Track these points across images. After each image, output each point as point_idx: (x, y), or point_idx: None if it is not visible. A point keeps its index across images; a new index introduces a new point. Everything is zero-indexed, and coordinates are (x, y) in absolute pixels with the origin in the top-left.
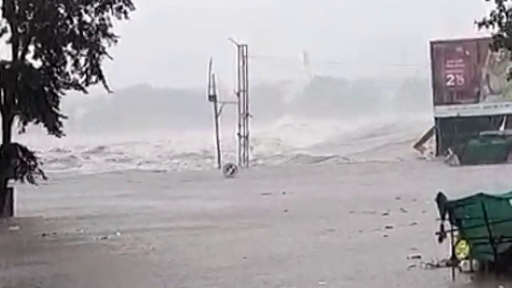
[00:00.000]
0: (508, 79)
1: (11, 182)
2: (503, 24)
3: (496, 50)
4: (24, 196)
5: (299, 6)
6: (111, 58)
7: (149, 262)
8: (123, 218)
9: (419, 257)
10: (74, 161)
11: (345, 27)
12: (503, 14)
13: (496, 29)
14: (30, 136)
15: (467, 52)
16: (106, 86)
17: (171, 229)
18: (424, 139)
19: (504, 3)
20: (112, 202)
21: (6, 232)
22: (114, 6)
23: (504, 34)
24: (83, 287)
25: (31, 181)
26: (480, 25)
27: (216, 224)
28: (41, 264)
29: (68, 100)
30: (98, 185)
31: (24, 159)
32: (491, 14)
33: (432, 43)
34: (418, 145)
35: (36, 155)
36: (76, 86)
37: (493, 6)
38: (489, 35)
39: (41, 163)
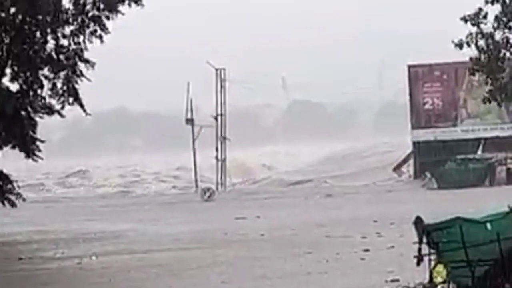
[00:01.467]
0: (484, 102)
1: None
2: (480, 47)
3: (474, 74)
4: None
5: (277, 31)
6: (89, 80)
7: None
8: (99, 241)
9: (397, 280)
10: (50, 185)
11: (323, 52)
12: (481, 35)
13: (474, 52)
14: (6, 158)
15: (445, 76)
16: (83, 109)
17: (145, 252)
18: (403, 162)
19: (482, 26)
20: (87, 226)
21: None
22: (88, 30)
23: (482, 58)
24: None
25: (11, 204)
26: (456, 45)
27: (191, 248)
28: None
29: (45, 122)
30: (74, 208)
31: (1, 183)
32: (467, 36)
33: (409, 66)
34: (396, 169)
35: (13, 178)
36: (53, 110)
37: (471, 28)
38: (466, 59)
39: (18, 187)
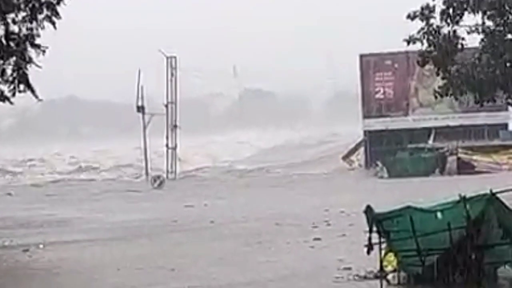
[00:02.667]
0: (435, 97)
1: None
2: (430, 41)
3: (423, 66)
4: None
5: (229, 19)
6: (39, 67)
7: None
8: (44, 230)
9: (349, 268)
10: (0, 172)
11: (276, 40)
12: (431, 30)
13: (424, 46)
14: None
15: (396, 65)
16: (35, 95)
17: (90, 241)
18: (352, 151)
19: (432, 20)
20: (34, 213)
21: None
22: (41, 16)
23: (432, 51)
24: None
25: None
26: (408, 42)
27: (135, 237)
28: None
29: None
30: (22, 196)
31: None
32: (418, 32)
33: (361, 56)
34: (346, 158)
35: None
36: (2, 97)
37: (421, 23)
38: (418, 47)
39: None
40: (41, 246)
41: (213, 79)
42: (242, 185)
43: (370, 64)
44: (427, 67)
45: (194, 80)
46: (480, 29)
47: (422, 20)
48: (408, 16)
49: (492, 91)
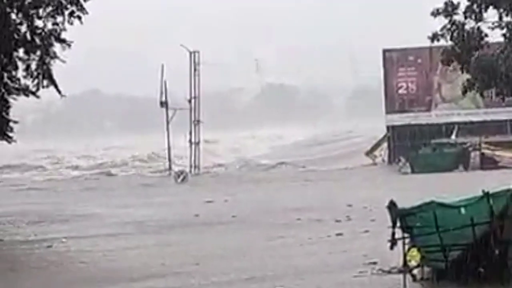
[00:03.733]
0: (463, 93)
1: None
2: (454, 38)
3: (448, 65)
4: None
5: (252, 15)
6: (63, 62)
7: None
8: (69, 224)
9: (374, 263)
10: (25, 167)
11: (298, 35)
12: (454, 27)
13: (448, 43)
14: None
15: (419, 60)
16: (58, 90)
17: (112, 235)
18: (376, 147)
19: (455, 17)
20: (59, 207)
21: None
22: (67, 11)
23: (456, 49)
24: None
25: None
26: (432, 39)
27: (155, 232)
28: None
29: (19, 105)
30: (50, 191)
31: None
32: (442, 29)
33: (384, 51)
34: (369, 153)
35: None
36: (28, 91)
37: (444, 20)
38: (441, 43)
39: None
40: (64, 240)
41: (235, 74)
42: (264, 180)
43: (393, 59)
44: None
45: (216, 75)
46: (503, 24)
47: (445, 17)
48: (432, 13)
49: None
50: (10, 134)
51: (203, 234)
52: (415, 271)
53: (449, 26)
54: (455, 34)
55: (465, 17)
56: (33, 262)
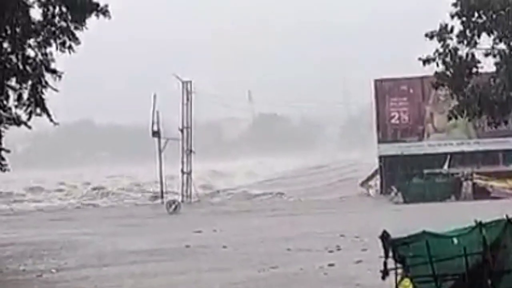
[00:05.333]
0: (449, 118)
1: None
2: (447, 63)
3: (437, 88)
4: None
5: (244, 44)
6: (56, 91)
7: None
8: (61, 254)
9: None
10: (14, 197)
11: (291, 66)
12: (447, 51)
13: (440, 67)
14: None
15: (411, 90)
16: (51, 119)
17: (103, 265)
18: (370, 177)
19: (448, 41)
20: (51, 238)
21: None
22: (59, 41)
23: (448, 73)
24: None
25: None
26: (424, 62)
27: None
28: None
29: (10, 133)
30: (39, 221)
31: None
32: (434, 52)
33: (376, 81)
34: (364, 183)
35: None
36: (19, 121)
37: (437, 44)
38: (432, 73)
39: None
40: (53, 271)
41: (227, 104)
42: (255, 209)
43: (385, 89)
44: (442, 92)
45: (209, 104)
46: (495, 51)
47: (439, 41)
48: (426, 35)
49: (506, 114)
50: (3, 163)
51: (192, 265)
52: None
53: (441, 50)
54: (447, 59)
55: (458, 42)
56: None
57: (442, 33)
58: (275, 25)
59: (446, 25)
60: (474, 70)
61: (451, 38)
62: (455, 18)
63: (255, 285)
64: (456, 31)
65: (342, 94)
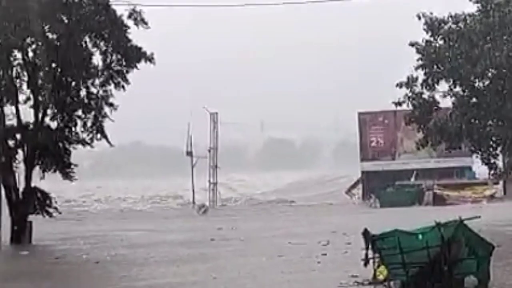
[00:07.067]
0: (418, 148)
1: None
2: (414, 104)
3: (408, 125)
4: (42, 228)
5: (255, 84)
6: (112, 121)
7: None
8: (115, 245)
9: (356, 276)
10: (79, 201)
11: (294, 99)
12: (414, 96)
13: (409, 107)
14: (47, 181)
15: (386, 121)
16: (108, 142)
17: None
18: (353, 187)
19: (414, 88)
20: (107, 233)
21: (19, 257)
22: (115, 81)
23: (415, 112)
24: None
25: (49, 215)
26: (396, 104)
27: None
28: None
29: (77, 152)
30: (98, 220)
31: (41, 199)
32: (404, 96)
33: (359, 113)
34: (348, 192)
35: (51, 195)
36: (84, 143)
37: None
38: (404, 108)
39: (56, 202)
40: (108, 258)
41: (244, 130)
42: (265, 212)
43: (366, 120)
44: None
45: (230, 130)
46: (451, 94)
47: (407, 88)
48: (397, 85)
49: (460, 141)
50: (72, 175)
51: (218, 251)
52: (391, 283)
53: (409, 94)
54: (414, 102)
55: (422, 88)
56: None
57: (410, 82)
58: (281, 70)
59: (412, 76)
60: (435, 108)
61: (416, 86)
62: (419, 69)
63: (265, 267)
64: (420, 79)
65: (334, 123)
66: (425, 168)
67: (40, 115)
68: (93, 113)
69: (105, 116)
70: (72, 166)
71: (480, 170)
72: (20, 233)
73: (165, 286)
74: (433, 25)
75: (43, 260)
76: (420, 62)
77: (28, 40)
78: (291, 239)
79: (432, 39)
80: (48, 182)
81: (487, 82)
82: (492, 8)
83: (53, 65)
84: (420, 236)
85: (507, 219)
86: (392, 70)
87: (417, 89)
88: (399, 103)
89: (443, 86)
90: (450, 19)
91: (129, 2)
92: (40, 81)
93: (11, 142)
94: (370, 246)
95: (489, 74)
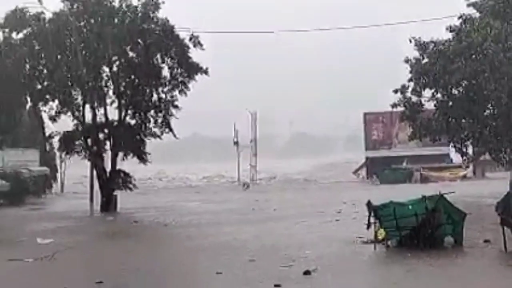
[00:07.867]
0: (410, 140)
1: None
2: (405, 106)
3: (402, 122)
4: (125, 199)
5: (284, 89)
6: (177, 118)
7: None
8: (179, 212)
9: (361, 237)
10: (148, 180)
11: (315, 101)
12: (405, 100)
13: (402, 108)
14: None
15: (385, 120)
16: (174, 135)
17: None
18: (359, 168)
19: (406, 93)
20: (171, 204)
21: (107, 221)
22: (179, 89)
23: (407, 112)
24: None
25: (130, 189)
26: (392, 106)
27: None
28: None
29: (150, 143)
30: (168, 194)
31: (124, 178)
32: (398, 100)
33: (364, 114)
34: (355, 172)
35: (132, 175)
36: (155, 135)
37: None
38: (398, 109)
39: (135, 179)
40: (173, 223)
41: (277, 125)
42: (292, 188)
43: (370, 119)
44: (403, 123)
45: (266, 125)
46: (434, 99)
47: (401, 94)
48: (394, 91)
49: (440, 135)
50: (146, 159)
51: (257, 217)
52: (389, 242)
53: (402, 99)
54: (406, 104)
55: (411, 93)
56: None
57: (403, 89)
58: (306, 87)
59: (404, 85)
60: (421, 110)
61: (407, 92)
62: (411, 80)
63: (292, 229)
64: (410, 88)
65: (345, 121)
66: (414, 155)
67: (122, 115)
68: (162, 113)
69: (171, 115)
70: (146, 153)
71: (456, 156)
72: (108, 203)
73: (224, 243)
74: (421, 47)
75: (125, 223)
76: (411, 75)
77: (114, 58)
78: (312, 209)
79: (420, 57)
80: (124, 164)
81: (461, 90)
82: (464, 35)
83: (132, 76)
84: (410, 206)
85: (476, 194)
86: (389, 80)
87: (408, 94)
88: (395, 105)
89: (428, 92)
90: (433, 43)
91: (189, 29)
92: (122, 89)
93: (101, 135)
94: (372, 214)
95: (463, 84)
